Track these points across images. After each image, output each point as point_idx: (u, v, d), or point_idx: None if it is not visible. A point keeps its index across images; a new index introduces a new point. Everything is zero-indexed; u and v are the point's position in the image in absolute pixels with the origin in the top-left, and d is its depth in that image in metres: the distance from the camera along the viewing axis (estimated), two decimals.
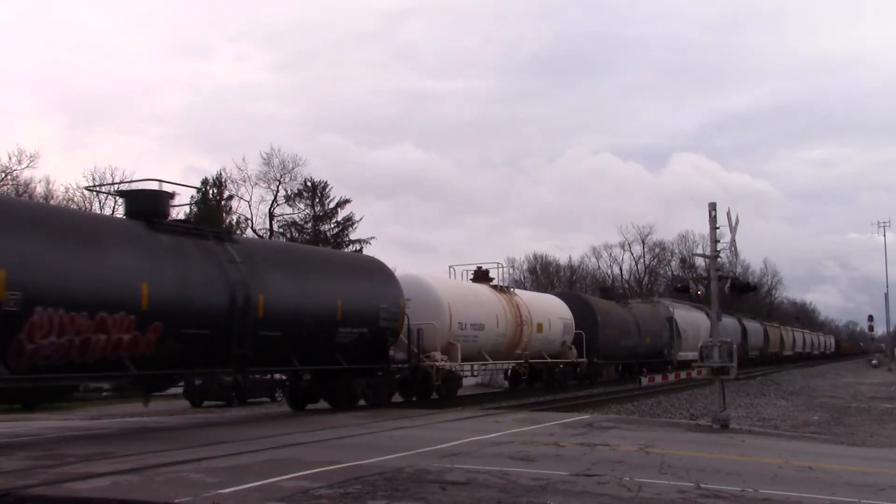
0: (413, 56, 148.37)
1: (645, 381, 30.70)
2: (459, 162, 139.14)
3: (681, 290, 24.42)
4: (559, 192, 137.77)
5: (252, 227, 51.12)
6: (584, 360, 29.86)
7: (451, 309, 21.71)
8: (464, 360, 22.20)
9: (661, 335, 35.15)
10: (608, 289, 41.59)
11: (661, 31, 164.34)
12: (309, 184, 52.22)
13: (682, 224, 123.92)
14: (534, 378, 28.27)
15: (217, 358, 14.20)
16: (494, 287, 26.14)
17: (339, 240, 53.09)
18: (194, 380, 22.80)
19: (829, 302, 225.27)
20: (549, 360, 27.88)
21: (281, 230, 52.16)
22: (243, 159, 69.76)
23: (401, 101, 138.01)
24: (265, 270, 15.36)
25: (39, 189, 45.42)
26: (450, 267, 24.76)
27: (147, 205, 14.06)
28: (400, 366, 19.76)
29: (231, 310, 14.14)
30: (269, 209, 50.76)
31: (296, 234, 52.69)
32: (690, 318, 38.77)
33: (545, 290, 70.75)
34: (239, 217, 50.73)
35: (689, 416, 21.34)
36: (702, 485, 8.35)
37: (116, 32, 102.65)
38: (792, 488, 8.43)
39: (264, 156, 50.93)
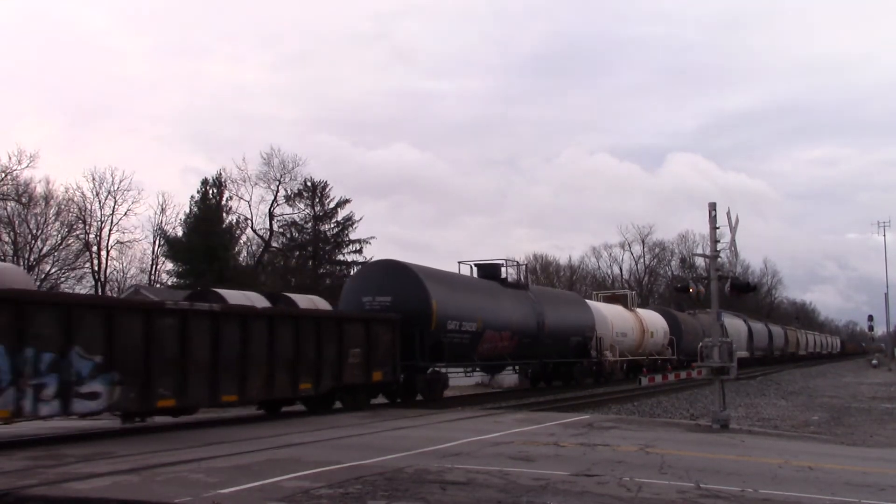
0: (410, 56, 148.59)
1: (645, 381, 30.77)
2: (456, 162, 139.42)
3: (681, 290, 24.42)
4: (557, 192, 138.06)
5: (252, 227, 51.19)
6: (675, 357, 39.53)
7: (612, 324, 33.45)
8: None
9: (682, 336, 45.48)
10: (681, 304, 50.74)
11: (659, 31, 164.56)
12: (309, 184, 52.24)
13: (680, 224, 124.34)
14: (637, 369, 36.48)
15: (532, 354, 27.28)
16: (626, 307, 37.27)
17: (338, 240, 53.11)
18: (523, 366, 30.12)
19: (828, 302, 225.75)
20: (656, 356, 38.59)
21: (281, 230, 52.20)
22: (243, 159, 69.87)
23: (397, 102, 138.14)
24: (546, 306, 28.02)
25: (39, 189, 45.51)
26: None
27: (495, 271, 26.86)
28: (592, 359, 31.36)
29: (536, 328, 26.84)
30: (269, 209, 50.81)
31: (296, 234, 52.73)
32: (734, 324, 50.05)
33: None
34: (239, 217, 50.77)
35: (689, 416, 21.34)
36: (702, 485, 8.35)
37: (115, 33, 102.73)
38: (792, 488, 8.43)
39: (264, 156, 51.00)
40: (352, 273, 38.88)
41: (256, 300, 18.12)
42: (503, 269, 26.93)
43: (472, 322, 22.96)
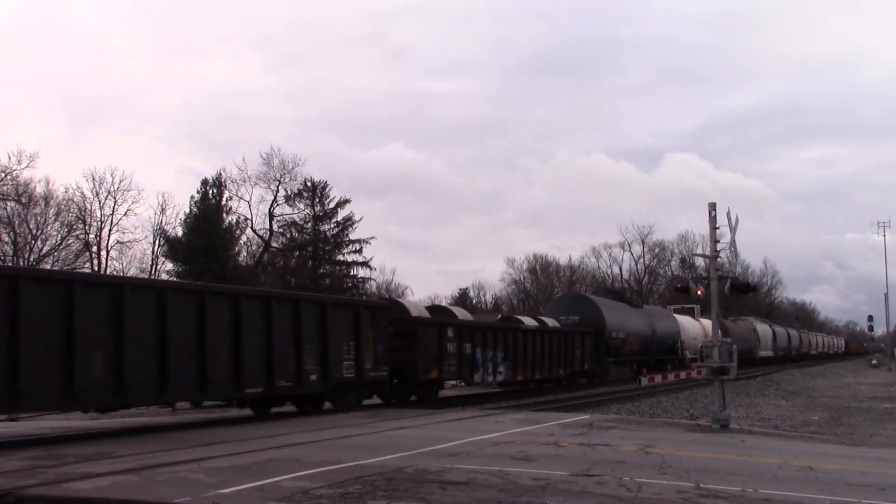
0: (406, 56, 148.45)
1: (645, 381, 30.81)
2: (454, 162, 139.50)
3: (681, 290, 24.41)
4: (554, 192, 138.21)
5: (252, 227, 51.16)
6: None
7: (687, 330, 44.48)
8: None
9: (749, 339, 55.57)
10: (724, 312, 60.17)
11: (658, 31, 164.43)
12: (309, 184, 52.23)
13: (678, 224, 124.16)
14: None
15: (647, 353, 38.28)
16: (693, 317, 47.62)
17: (338, 240, 53.10)
18: (644, 361, 39.05)
19: (826, 301, 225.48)
20: None
21: (281, 230, 52.18)
22: (243, 159, 69.80)
23: (394, 102, 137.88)
24: (654, 319, 39.94)
25: (39, 189, 45.47)
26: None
27: (623, 295, 45.34)
28: (678, 356, 41.59)
29: (650, 335, 38.07)
30: (269, 209, 50.75)
31: (295, 234, 52.71)
32: (763, 328, 61.78)
33: (545, 290, 74.04)
34: (239, 217, 50.73)
35: (689, 416, 21.34)
36: (702, 485, 8.35)
37: (113, 33, 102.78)
38: (792, 488, 8.43)
39: (264, 156, 50.95)
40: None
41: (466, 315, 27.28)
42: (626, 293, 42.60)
43: (622, 332, 35.41)
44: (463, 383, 25.97)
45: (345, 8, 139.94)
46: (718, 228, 16.09)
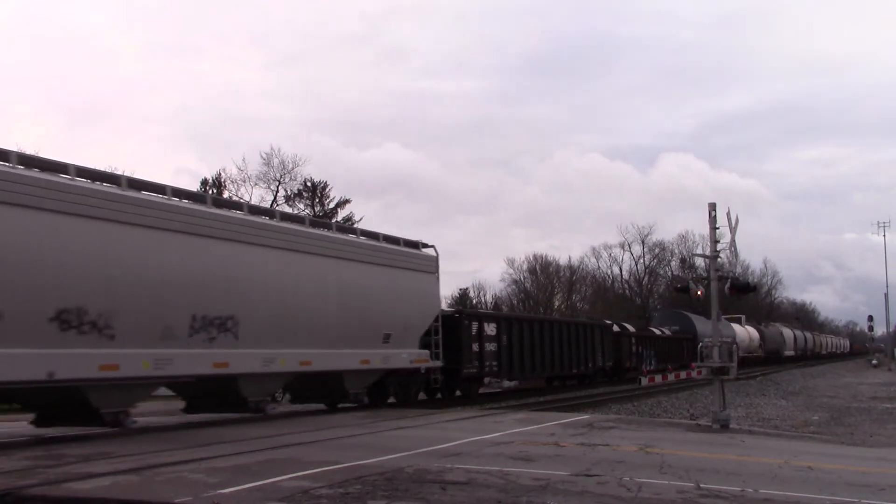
0: (403, 57, 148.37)
1: (645, 381, 30.84)
2: (451, 162, 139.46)
3: (681, 291, 24.43)
4: (551, 192, 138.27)
5: None
6: (762, 354, 63.66)
7: (738, 335, 52.32)
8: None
9: (778, 341, 69.96)
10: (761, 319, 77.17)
11: (656, 31, 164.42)
12: (309, 184, 52.17)
13: (676, 224, 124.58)
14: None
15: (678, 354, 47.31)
16: (740, 325, 58.75)
17: None
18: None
19: (825, 302, 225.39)
20: (753, 353, 60.77)
21: None
22: (243, 159, 69.61)
23: (391, 102, 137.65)
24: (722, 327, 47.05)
25: None
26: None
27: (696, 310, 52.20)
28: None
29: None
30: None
31: None
32: (787, 331, 76.34)
33: (545, 290, 75.33)
34: None
35: (689, 416, 21.35)
36: (702, 485, 8.35)
37: (111, 33, 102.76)
38: (792, 488, 8.43)
39: (264, 156, 50.78)
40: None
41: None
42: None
43: (707, 337, 43.07)
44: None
45: (339, 8, 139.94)
46: (718, 228, 16.08)
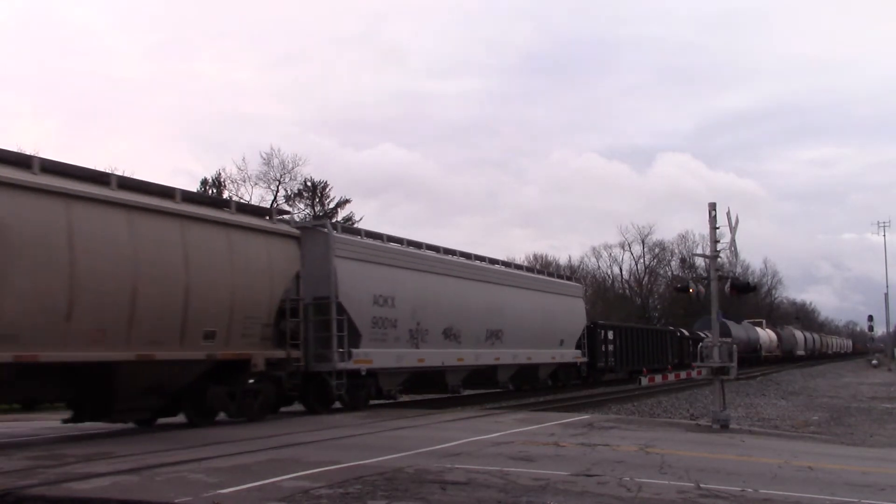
0: (400, 57, 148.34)
1: (645, 381, 30.86)
2: (448, 162, 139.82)
3: (681, 291, 24.43)
4: (551, 192, 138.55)
5: None
6: (780, 353, 71.49)
7: (761, 336, 66.15)
8: None
9: (792, 342, 78.13)
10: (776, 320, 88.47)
11: (654, 31, 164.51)
12: (309, 184, 52.17)
13: (674, 223, 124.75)
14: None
15: (748, 353, 58.65)
16: (761, 328, 68.23)
17: None
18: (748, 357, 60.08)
19: (824, 302, 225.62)
20: (773, 352, 69.83)
21: None
22: (243, 159, 69.64)
23: (388, 102, 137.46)
24: (748, 330, 63.83)
25: None
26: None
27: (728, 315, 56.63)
28: (760, 355, 63.52)
29: (748, 341, 60.44)
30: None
31: None
32: (799, 334, 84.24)
33: None
34: None
35: (689, 416, 21.35)
36: (702, 485, 8.35)
37: (109, 32, 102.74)
38: (792, 488, 8.43)
39: (264, 156, 50.82)
40: None
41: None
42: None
43: (739, 341, 46.95)
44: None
45: (336, 8, 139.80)
46: (718, 228, 16.08)
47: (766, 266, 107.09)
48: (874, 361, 74.16)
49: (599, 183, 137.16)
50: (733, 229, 16.03)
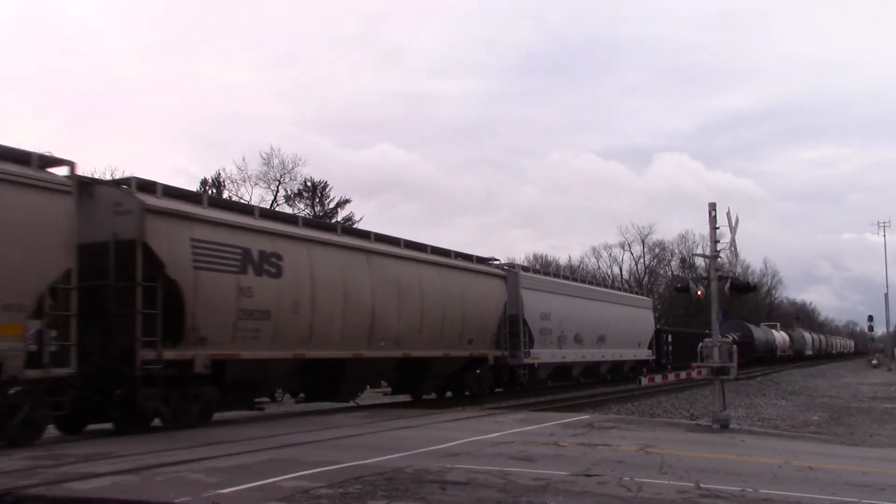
0: (400, 57, 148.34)
1: (645, 381, 30.87)
2: (447, 162, 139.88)
3: (681, 291, 24.41)
4: (549, 192, 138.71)
5: None
6: (792, 353, 76.48)
7: (777, 338, 72.10)
8: None
9: (802, 343, 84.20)
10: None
11: (654, 31, 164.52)
12: (309, 184, 52.16)
13: (672, 223, 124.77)
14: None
15: (764, 353, 66.67)
16: (776, 330, 73.66)
17: None
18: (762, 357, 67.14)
19: (823, 302, 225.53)
20: (786, 352, 75.04)
21: None
22: (243, 159, 69.66)
23: (387, 102, 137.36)
24: (766, 332, 70.55)
25: None
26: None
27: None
28: (776, 354, 70.68)
29: (766, 341, 68.51)
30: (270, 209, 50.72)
31: None
32: (807, 335, 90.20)
33: None
34: None
35: (689, 416, 21.34)
36: (702, 485, 8.35)
37: (109, 32, 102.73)
38: (792, 488, 8.43)
39: (264, 156, 50.81)
40: None
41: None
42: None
43: (760, 342, 61.21)
44: None
45: (334, 8, 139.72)
46: (718, 228, 16.08)
47: (766, 266, 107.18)
48: (874, 361, 74.15)
49: (599, 183, 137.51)
50: (733, 229, 16.02)
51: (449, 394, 24.39)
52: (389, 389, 24.55)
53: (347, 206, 53.17)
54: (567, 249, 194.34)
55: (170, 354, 13.55)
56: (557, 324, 29.09)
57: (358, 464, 9.45)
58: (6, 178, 11.37)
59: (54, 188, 12.07)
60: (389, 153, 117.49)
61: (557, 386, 30.71)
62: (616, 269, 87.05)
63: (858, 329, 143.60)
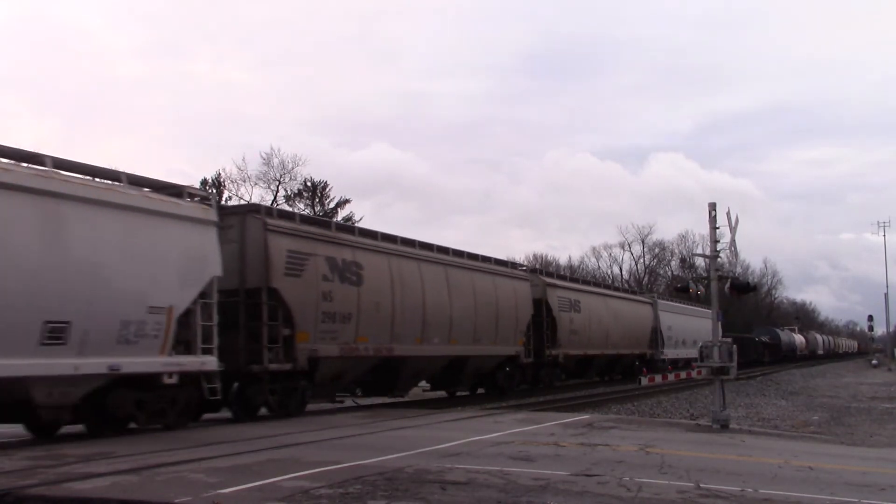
0: (395, 57, 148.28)
1: (645, 381, 30.86)
2: (445, 162, 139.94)
3: (681, 290, 24.43)
4: (547, 192, 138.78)
5: None
6: (807, 353, 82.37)
7: (794, 339, 79.04)
8: None
9: (814, 343, 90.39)
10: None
11: (652, 32, 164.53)
12: (309, 184, 52.17)
13: (670, 223, 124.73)
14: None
15: (788, 352, 75.16)
16: (792, 331, 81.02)
17: None
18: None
19: (822, 302, 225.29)
20: (800, 353, 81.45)
21: None
22: (243, 159, 69.63)
23: (384, 102, 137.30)
24: (788, 335, 78.34)
25: None
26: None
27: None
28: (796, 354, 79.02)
29: (789, 343, 78.06)
30: None
31: None
32: (818, 336, 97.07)
33: None
34: None
35: (689, 416, 21.34)
36: (702, 485, 8.35)
37: (107, 33, 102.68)
38: (792, 488, 8.43)
39: (264, 156, 50.86)
40: None
41: None
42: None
43: (785, 344, 70.48)
44: None
45: (332, 9, 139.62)
46: (718, 228, 16.08)
47: (766, 266, 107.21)
48: (874, 361, 74.16)
49: (596, 183, 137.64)
50: (733, 229, 16.02)
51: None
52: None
53: (347, 206, 53.28)
54: (566, 249, 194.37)
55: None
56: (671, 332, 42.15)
57: (358, 464, 9.45)
58: (518, 277, 27.80)
59: (526, 280, 27.38)
60: (385, 153, 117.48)
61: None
62: (616, 269, 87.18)
63: (858, 329, 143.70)
